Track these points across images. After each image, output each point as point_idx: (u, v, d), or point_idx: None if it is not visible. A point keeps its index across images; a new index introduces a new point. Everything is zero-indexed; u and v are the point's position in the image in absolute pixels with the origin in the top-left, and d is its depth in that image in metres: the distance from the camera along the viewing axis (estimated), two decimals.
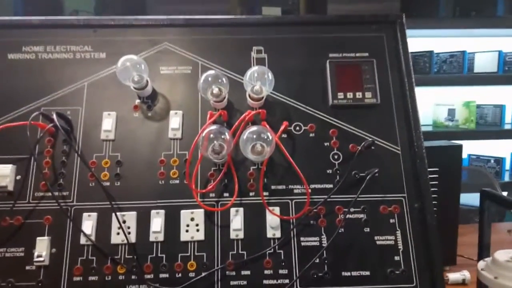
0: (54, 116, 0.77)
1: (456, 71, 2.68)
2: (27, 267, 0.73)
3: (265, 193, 0.78)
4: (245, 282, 0.74)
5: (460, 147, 1.17)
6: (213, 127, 0.73)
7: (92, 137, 0.81)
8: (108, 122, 0.81)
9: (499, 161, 2.71)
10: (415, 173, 0.79)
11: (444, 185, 1.07)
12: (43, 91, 0.83)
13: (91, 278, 0.73)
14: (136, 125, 0.82)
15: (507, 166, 2.78)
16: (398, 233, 0.76)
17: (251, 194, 0.79)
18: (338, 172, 0.80)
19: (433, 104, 2.78)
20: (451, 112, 2.74)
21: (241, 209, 0.77)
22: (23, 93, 0.83)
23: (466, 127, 2.66)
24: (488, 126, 2.72)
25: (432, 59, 2.66)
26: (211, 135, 0.72)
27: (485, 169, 2.55)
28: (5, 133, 0.78)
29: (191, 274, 0.74)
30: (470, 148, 2.74)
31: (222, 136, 0.74)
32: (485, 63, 2.68)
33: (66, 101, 0.83)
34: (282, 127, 0.79)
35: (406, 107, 0.82)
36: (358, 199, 0.77)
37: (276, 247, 0.75)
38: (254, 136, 0.73)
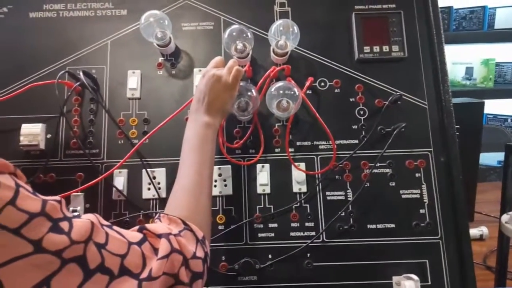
0: (81, 75, 0.77)
1: (476, 27, 2.58)
2: None
3: (291, 149, 0.79)
4: (272, 234, 0.76)
5: (481, 104, 1.16)
6: (240, 83, 0.73)
7: (118, 95, 0.81)
8: (133, 80, 0.81)
9: None
10: (442, 127, 0.78)
11: (465, 142, 1.07)
12: (66, 50, 0.83)
13: None
14: (160, 83, 0.82)
15: None
16: (424, 186, 0.77)
17: (276, 150, 0.79)
18: (363, 127, 0.79)
19: (449, 62, 2.70)
20: (469, 71, 2.67)
21: (267, 165, 0.79)
22: (47, 52, 0.83)
23: (484, 85, 2.60)
24: (506, 85, 2.66)
25: (451, 15, 2.56)
26: (237, 92, 0.72)
27: (503, 128, 2.52)
28: (32, 93, 0.79)
29: (220, 227, 0.76)
30: (487, 107, 2.67)
31: (249, 93, 0.74)
32: (506, 18, 2.57)
33: (90, 60, 0.83)
34: (307, 83, 0.79)
35: (434, 60, 0.81)
36: (384, 154, 0.77)
37: (302, 201, 0.77)
38: (281, 92, 0.72)
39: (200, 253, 0.52)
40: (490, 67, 2.65)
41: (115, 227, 0.47)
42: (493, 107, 2.81)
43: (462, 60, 2.74)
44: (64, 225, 0.40)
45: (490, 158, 2.48)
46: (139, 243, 0.47)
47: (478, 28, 2.65)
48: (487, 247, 1.19)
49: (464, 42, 2.72)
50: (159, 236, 0.49)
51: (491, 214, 1.31)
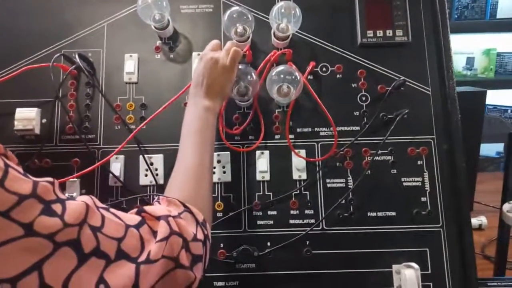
0: (77, 58, 0.76)
1: (478, 17, 2.56)
2: None
3: (291, 136, 0.78)
4: (271, 222, 0.75)
5: (483, 93, 1.14)
6: (240, 66, 0.71)
7: (115, 79, 0.80)
8: (130, 64, 0.79)
9: None
10: (445, 114, 0.77)
11: (465, 131, 1.06)
12: (62, 33, 0.81)
13: None
14: (158, 67, 0.80)
15: None
16: (426, 174, 0.76)
17: (276, 137, 0.78)
18: (365, 114, 0.78)
19: None
20: (470, 61, 2.65)
21: (266, 152, 0.77)
22: (42, 35, 0.81)
23: (485, 76, 2.58)
24: (507, 75, 2.64)
25: (453, 4, 2.53)
26: (238, 75, 0.71)
27: (503, 118, 2.51)
28: (27, 76, 0.77)
29: (219, 214, 0.75)
30: (487, 98, 2.66)
31: (248, 77, 0.72)
32: (509, 7, 2.54)
33: (87, 43, 0.81)
34: (309, 68, 0.77)
35: (438, 45, 0.79)
36: (386, 141, 0.76)
37: (302, 188, 0.76)
38: (282, 76, 0.71)
39: (200, 236, 0.51)
40: (491, 57, 2.63)
41: (112, 209, 0.46)
42: (493, 97, 2.79)
43: (463, 50, 2.72)
44: (57, 207, 0.39)
45: (489, 149, 2.48)
46: (137, 226, 0.46)
47: (480, 17, 2.62)
48: (486, 237, 1.19)
49: (466, 31, 2.69)
50: (158, 218, 0.48)
51: (490, 204, 1.31)
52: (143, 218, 0.48)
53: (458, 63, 2.75)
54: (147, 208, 0.50)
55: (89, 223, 0.41)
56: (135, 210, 0.50)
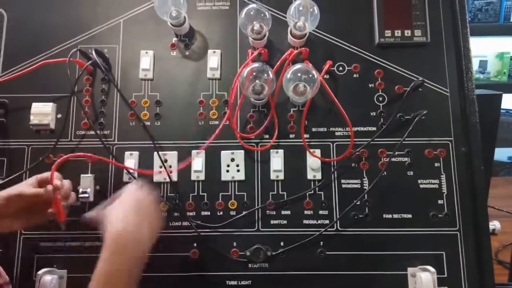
0: (93, 53, 0.76)
1: (492, 20, 2.53)
2: None
3: (306, 135, 0.77)
4: (285, 222, 0.74)
5: (499, 97, 1.12)
6: (256, 64, 0.70)
7: (130, 76, 0.79)
8: (146, 61, 0.79)
9: None
10: (463, 116, 0.76)
11: (481, 134, 1.04)
12: (79, 28, 0.81)
13: None
14: (174, 64, 0.80)
15: None
16: (443, 177, 0.74)
17: (291, 136, 0.77)
18: (382, 114, 0.77)
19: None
20: (483, 64, 2.62)
21: (281, 151, 0.76)
22: (59, 30, 0.81)
23: (498, 79, 2.55)
24: None
25: (467, 6, 2.50)
26: (254, 73, 0.70)
27: None
28: (43, 72, 0.78)
29: (232, 213, 0.75)
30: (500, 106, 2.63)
31: (265, 75, 0.71)
32: None
33: (103, 39, 0.81)
34: (325, 67, 0.76)
35: (458, 46, 0.77)
36: (402, 142, 0.75)
37: (317, 188, 0.75)
38: (298, 75, 0.70)
39: None
40: (505, 60, 2.60)
41: None
42: (506, 101, 2.75)
43: (476, 53, 2.69)
44: None
45: (501, 154, 2.44)
46: None
47: (494, 20, 2.59)
48: (499, 242, 1.17)
49: (479, 34, 2.66)
50: None
51: (503, 209, 1.29)
52: None
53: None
54: None
55: None
56: None
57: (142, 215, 0.59)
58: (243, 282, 0.72)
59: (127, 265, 0.55)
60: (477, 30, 2.65)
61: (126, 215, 0.58)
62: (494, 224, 1.24)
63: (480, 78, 2.66)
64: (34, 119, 0.76)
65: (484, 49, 2.65)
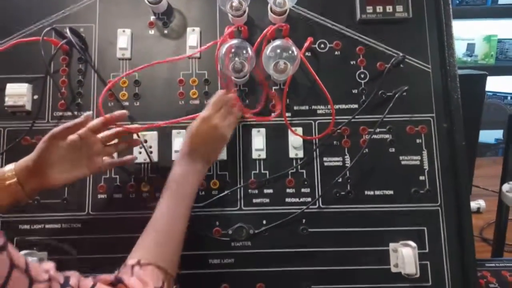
0: (68, 32, 0.73)
1: (479, 2, 2.53)
2: None
3: (288, 114, 0.76)
4: (267, 200, 0.74)
5: (484, 76, 1.12)
6: (235, 41, 0.69)
7: (107, 55, 0.78)
8: (123, 40, 0.77)
9: None
10: (445, 92, 0.75)
11: (465, 115, 1.04)
12: (53, 7, 0.78)
13: (115, 195, 0.74)
14: (152, 43, 0.78)
15: None
16: (424, 153, 0.74)
17: (273, 114, 0.76)
18: (364, 91, 0.76)
19: None
20: (471, 47, 2.62)
21: (263, 130, 0.76)
22: (32, 9, 0.78)
23: (485, 62, 2.56)
24: (508, 62, 2.61)
25: None
26: (233, 50, 0.69)
27: (502, 104, 2.49)
28: (18, 52, 0.76)
29: (214, 192, 0.74)
30: (487, 84, 2.64)
31: (244, 52, 0.70)
32: None
33: (78, 17, 0.79)
34: (306, 44, 0.75)
35: (440, 22, 0.77)
36: (384, 119, 0.74)
37: (299, 167, 0.75)
38: (278, 51, 0.69)
39: None
40: (492, 43, 2.60)
41: (83, 283, 0.44)
42: (493, 84, 2.77)
43: (463, 36, 2.69)
44: None
45: (488, 136, 2.47)
46: None
47: (482, 3, 2.59)
48: (484, 220, 1.19)
49: (467, 17, 2.66)
50: None
51: (488, 188, 1.31)
52: None
53: (459, 49, 2.72)
54: (126, 281, 0.48)
55: None
56: (113, 277, 0.48)
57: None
58: (226, 261, 0.72)
59: (198, 165, 0.64)
60: (465, 13, 2.65)
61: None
62: (479, 203, 1.26)
63: (468, 61, 2.66)
64: (9, 101, 0.74)
65: (472, 32, 2.65)
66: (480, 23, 2.69)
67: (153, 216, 0.60)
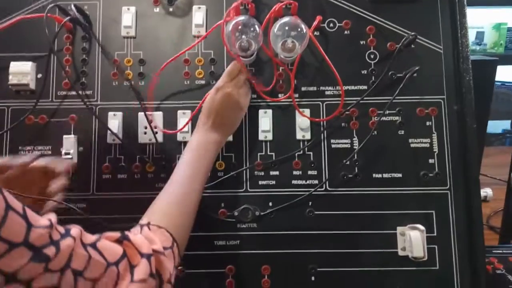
0: (73, 9, 0.72)
1: None
2: None
3: (295, 95, 0.75)
4: (273, 182, 0.73)
5: (494, 62, 1.10)
6: (242, 17, 0.67)
7: (112, 34, 0.76)
8: (128, 18, 0.76)
9: None
10: (457, 73, 0.73)
11: (474, 102, 1.02)
12: None
13: (120, 176, 0.73)
14: (157, 21, 0.77)
15: None
16: (434, 136, 0.73)
17: (280, 95, 0.75)
18: (373, 72, 0.75)
19: None
20: (480, 35, 2.58)
21: (269, 111, 0.74)
22: None
23: (494, 51, 2.52)
24: None
25: None
26: (240, 27, 0.67)
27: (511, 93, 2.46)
28: (22, 29, 0.74)
29: (220, 174, 0.73)
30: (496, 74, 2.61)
31: (251, 29, 0.68)
32: None
33: None
34: (315, 22, 0.73)
35: (452, 1, 0.74)
36: (394, 101, 0.73)
37: (306, 148, 0.73)
38: (286, 29, 0.67)
39: (173, 277, 0.50)
40: (502, 31, 2.56)
41: (99, 244, 0.43)
42: (502, 74, 2.73)
43: (473, 24, 2.65)
44: (50, 250, 0.37)
45: (495, 126, 2.44)
46: (117, 262, 0.44)
47: None
48: (491, 209, 1.18)
49: (476, 4, 2.61)
50: (141, 255, 0.46)
51: (496, 177, 1.30)
52: (124, 251, 0.45)
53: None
54: (132, 237, 0.47)
55: (72, 267, 0.39)
56: (118, 234, 0.47)
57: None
58: (231, 242, 0.71)
59: (214, 135, 0.66)
60: (474, 1, 2.60)
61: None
62: (486, 191, 1.25)
63: (477, 50, 2.62)
64: (13, 79, 0.73)
65: (481, 20, 2.61)
66: (489, 10, 2.65)
67: (169, 182, 0.60)
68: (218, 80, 0.70)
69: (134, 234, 0.48)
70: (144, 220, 0.53)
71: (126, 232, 0.48)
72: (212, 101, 0.67)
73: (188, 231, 0.58)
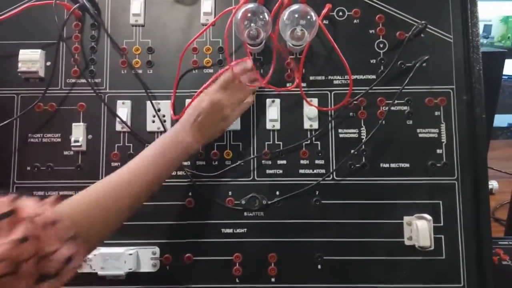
0: None
1: None
2: (65, 152, 0.74)
3: (303, 84, 0.75)
4: (280, 171, 0.73)
5: (502, 54, 1.09)
6: (251, 5, 0.67)
7: (120, 21, 0.76)
8: (136, 5, 0.76)
9: None
10: (467, 63, 0.73)
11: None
12: None
13: None
14: (165, 9, 0.77)
15: None
16: (443, 126, 0.73)
17: (288, 84, 0.75)
18: (382, 62, 0.74)
19: None
20: (487, 28, 2.56)
21: (277, 100, 0.74)
22: None
23: (502, 44, 2.50)
24: None
25: None
26: (249, 15, 0.67)
27: None
28: (31, 17, 0.75)
29: (227, 162, 0.73)
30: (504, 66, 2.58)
31: (260, 17, 0.68)
32: None
33: None
34: (324, 10, 0.73)
35: None
36: (402, 90, 0.72)
37: (313, 138, 0.74)
38: (296, 16, 0.67)
39: (63, 253, 0.44)
40: (510, 24, 2.53)
41: None
42: (508, 68, 2.70)
43: (480, 17, 2.61)
44: None
45: (501, 120, 2.43)
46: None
47: None
48: (497, 201, 1.18)
49: None
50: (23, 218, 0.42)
51: (502, 170, 1.29)
52: (12, 210, 0.42)
53: None
54: (21, 202, 0.44)
55: None
56: (11, 197, 0.44)
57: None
58: (238, 230, 0.72)
59: (189, 138, 0.64)
60: None
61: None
62: (492, 184, 1.24)
63: (484, 43, 2.60)
64: (22, 66, 0.74)
65: (489, 13, 2.58)
66: (497, 3, 2.62)
67: (123, 169, 0.58)
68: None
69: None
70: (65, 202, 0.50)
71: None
72: (197, 103, 0.67)
73: (110, 230, 0.54)
